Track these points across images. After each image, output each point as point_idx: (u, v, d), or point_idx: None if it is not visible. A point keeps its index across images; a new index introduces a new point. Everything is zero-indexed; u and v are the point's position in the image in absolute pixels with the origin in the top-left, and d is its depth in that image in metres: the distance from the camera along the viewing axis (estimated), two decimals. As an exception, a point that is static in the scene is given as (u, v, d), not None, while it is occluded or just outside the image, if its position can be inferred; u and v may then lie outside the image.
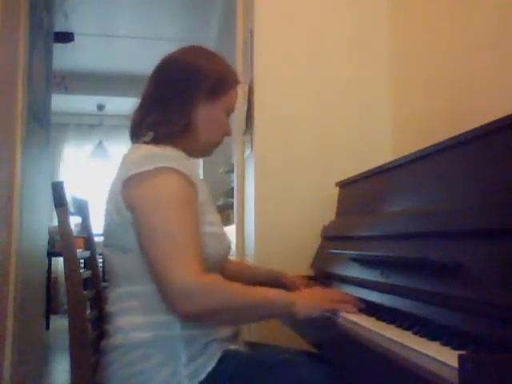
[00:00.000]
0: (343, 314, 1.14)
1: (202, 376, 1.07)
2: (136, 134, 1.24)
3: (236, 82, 1.29)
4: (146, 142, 1.19)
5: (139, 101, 1.25)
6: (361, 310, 1.17)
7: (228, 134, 1.31)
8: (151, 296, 1.09)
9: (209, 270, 1.08)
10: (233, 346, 1.16)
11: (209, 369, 1.08)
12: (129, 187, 1.10)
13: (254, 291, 1.13)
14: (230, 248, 1.27)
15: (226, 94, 1.26)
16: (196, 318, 1.04)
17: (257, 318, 1.18)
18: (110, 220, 1.15)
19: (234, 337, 1.20)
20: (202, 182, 1.20)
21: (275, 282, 1.51)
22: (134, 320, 1.11)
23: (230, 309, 1.06)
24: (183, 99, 1.21)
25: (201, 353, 1.09)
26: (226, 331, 1.16)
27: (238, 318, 1.15)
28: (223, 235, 1.24)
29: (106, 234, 1.19)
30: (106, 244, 1.19)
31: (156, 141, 1.18)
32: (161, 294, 1.04)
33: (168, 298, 1.02)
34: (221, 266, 1.27)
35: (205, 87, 1.21)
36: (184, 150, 1.20)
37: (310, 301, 1.14)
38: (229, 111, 1.29)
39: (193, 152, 1.25)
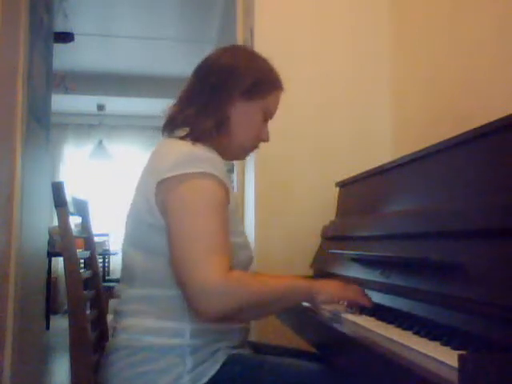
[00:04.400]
0: (343, 315, 1.14)
1: (205, 380, 1.06)
2: (169, 129, 1.22)
3: (277, 86, 1.26)
4: (182, 138, 1.16)
5: (175, 99, 1.24)
6: (361, 311, 1.17)
7: (264, 139, 1.28)
8: (167, 301, 1.08)
9: None
10: (236, 351, 1.15)
11: (212, 373, 1.07)
12: (164, 189, 1.07)
13: (276, 282, 1.11)
14: (251, 259, 1.24)
15: (265, 96, 1.23)
16: (224, 316, 1.00)
17: (280, 309, 1.18)
18: (140, 219, 1.12)
19: (241, 346, 1.18)
20: (232, 188, 1.17)
21: None
22: (144, 323, 1.10)
23: (256, 304, 1.05)
24: (220, 94, 1.19)
25: (206, 359, 1.08)
26: (233, 341, 1.15)
27: (262, 312, 1.14)
28: (247, 246, 1.22)
29: (132, 232, 1.16)
30: (130, 242, 1.16)
31: (192, 137, 1.15)
32: (187, 296, 1.00)
33: (195, 299, 0.98)
34: None
35: (242, 84, 1.19)
36: (217, 150, 1.17)
37: (329, 287, 1.15)
38: (266, 116, 1.25)
39: (225, 154, 1.22)
